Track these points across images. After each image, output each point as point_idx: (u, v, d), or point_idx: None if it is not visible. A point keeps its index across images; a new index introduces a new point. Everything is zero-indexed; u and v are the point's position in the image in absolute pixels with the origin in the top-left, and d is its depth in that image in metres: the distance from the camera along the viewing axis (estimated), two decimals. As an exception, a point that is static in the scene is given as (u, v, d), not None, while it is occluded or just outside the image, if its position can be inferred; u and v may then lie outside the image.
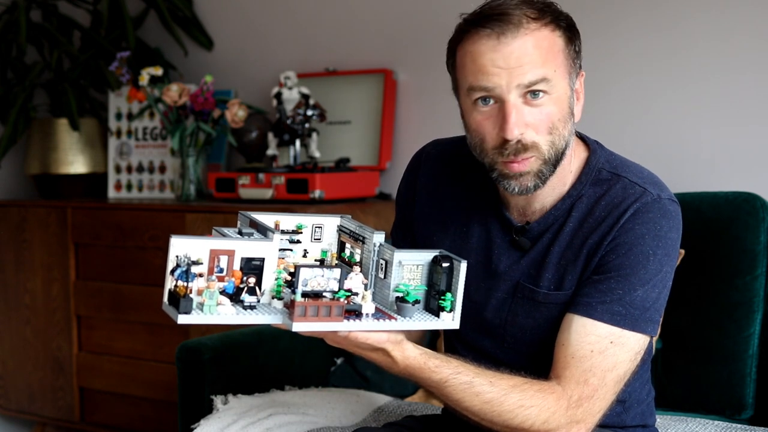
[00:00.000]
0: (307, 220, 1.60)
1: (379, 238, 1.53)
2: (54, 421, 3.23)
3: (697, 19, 2.51)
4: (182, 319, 1.38)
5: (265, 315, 1.43)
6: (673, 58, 2.55)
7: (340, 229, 1.62)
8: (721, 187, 2.33)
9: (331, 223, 1.61)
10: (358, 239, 1.56)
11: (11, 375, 3.29)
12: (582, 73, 1.62)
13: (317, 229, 1.61)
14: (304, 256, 1.59)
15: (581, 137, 1.69)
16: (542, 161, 1.56)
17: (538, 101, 1.53)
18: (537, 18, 1.53)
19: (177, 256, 1.40)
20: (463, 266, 1.47)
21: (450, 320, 1.49)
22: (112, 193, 3.29)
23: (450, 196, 1.72)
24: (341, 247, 1.61)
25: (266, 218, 1.55)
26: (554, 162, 1.58)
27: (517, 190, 1.58)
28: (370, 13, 3.03)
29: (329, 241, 1.61)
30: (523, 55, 1.52)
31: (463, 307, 1.65)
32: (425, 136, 1.87)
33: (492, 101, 1.55)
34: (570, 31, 1.58)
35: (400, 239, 1.81)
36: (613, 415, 1.64)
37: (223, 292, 1.41)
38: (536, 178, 1.57)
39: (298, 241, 1.59)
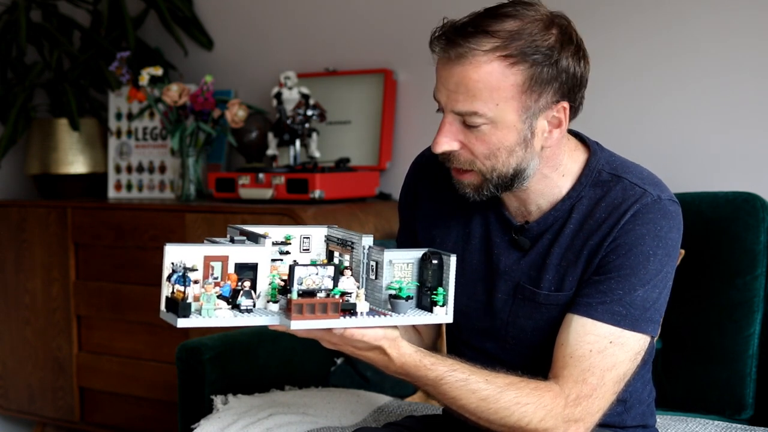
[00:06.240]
0: (295, 231, 1.63)
1: (367, 241, 1.55)
2: (54, 421, 3.23)
3: (697, 20, 2.51)
4: (182, 323, 1.39)
5: (262, 317, 1.45)
6: (673, 58, 2.55)
7: (328, 239, 1.64)
8: (721, 187, 2.33)
9: (318, 233, 1.64)
10: (347, 245, 1.58)
11: (11, 375, 3.29)
12: (563, 104, 1.56)
13: (305, 239, 1.63)
14: None
15: (581, 139, 1.69)
16: (482, 179, 1.58)
17: (476, 128, 1.54)
18: (489, 50, 1.51)
19: (173, 263, 1.42)
20: (453, 260, 1.49)
21: (443, 314, 1.51)
22: (112, 193, 3.29)
23: (451, 198, 1.72)
24: (330, 256, 1.63)
25: (254, 230, 1.57)
26: (501, 183, 1.58)
27: (462, 194, 1.62)
28: (370, 13, 3.02)
29: (317, 251, 1.64)
30: (459, 84, 1.53)
31: (465, 307, 1.65)
32: (425, 136, 1.87)
33: (442, 111, 1.59)
34: (543, 65, 1.52)
35: (405, 245, 1.81)
36: (613, 414, 1.64)
37: (220, 296, 1.43)
38: (476, 192, 1.60)
39: (288, 252, 1.61)
